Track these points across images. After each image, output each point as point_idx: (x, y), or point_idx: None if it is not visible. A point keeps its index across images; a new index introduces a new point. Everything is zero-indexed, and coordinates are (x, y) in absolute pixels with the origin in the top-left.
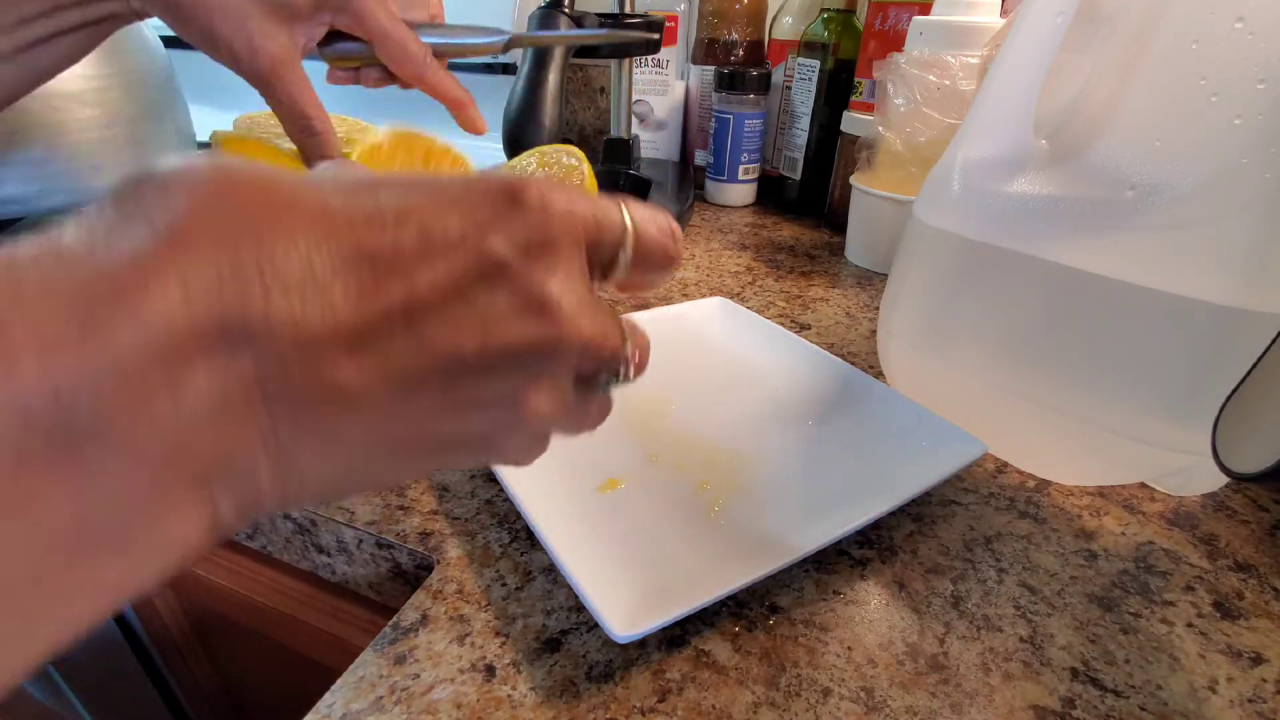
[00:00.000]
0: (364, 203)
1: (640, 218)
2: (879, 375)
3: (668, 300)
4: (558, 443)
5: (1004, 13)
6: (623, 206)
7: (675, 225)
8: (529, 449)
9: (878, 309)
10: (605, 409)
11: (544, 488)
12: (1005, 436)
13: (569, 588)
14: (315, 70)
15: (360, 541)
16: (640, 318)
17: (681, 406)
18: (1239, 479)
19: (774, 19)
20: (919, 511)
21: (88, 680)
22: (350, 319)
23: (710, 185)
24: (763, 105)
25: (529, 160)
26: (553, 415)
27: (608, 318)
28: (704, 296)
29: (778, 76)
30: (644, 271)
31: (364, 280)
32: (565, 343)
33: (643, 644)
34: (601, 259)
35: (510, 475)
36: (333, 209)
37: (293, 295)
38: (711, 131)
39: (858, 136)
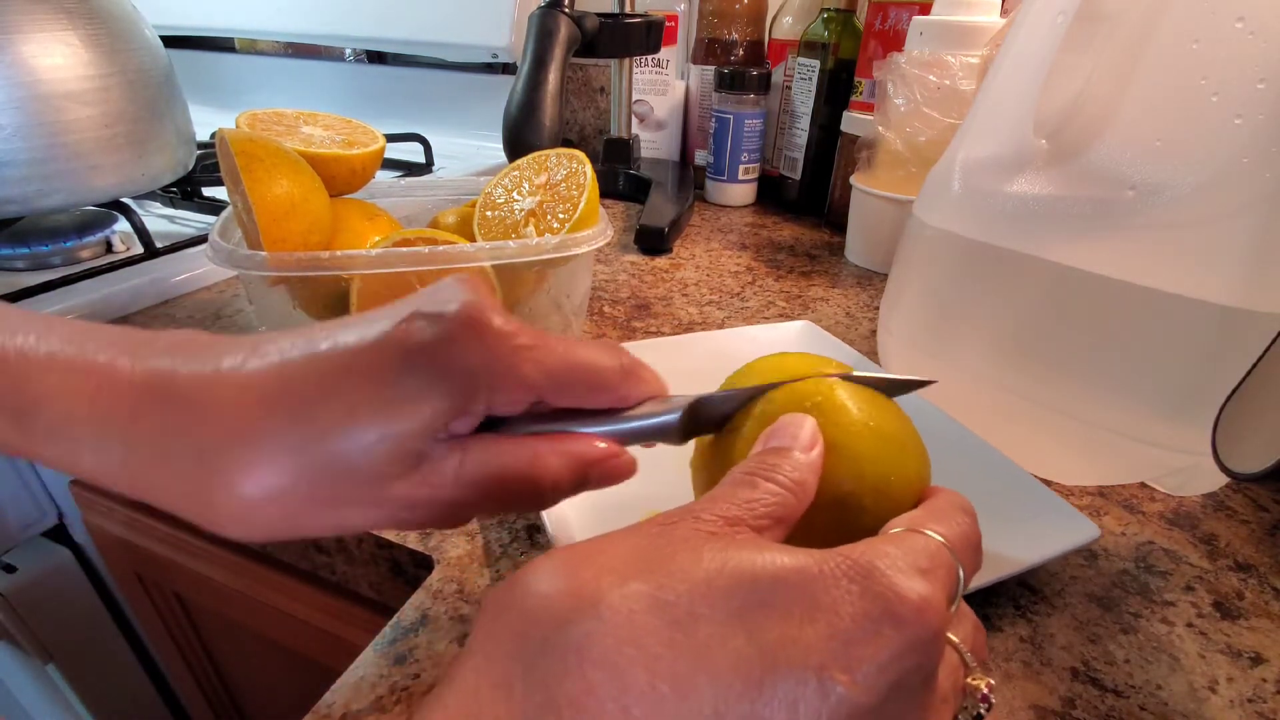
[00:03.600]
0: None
1: (962, 543)
2: None
3: (668, 302)
4: None
5: (1004, 13)
6: (939, 539)
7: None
8: None
9: (878, 309)
10: None
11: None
12: (1005, 436)
13: None
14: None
15: (360, 541)
16: (714, 337)
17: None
18: (1239, 479)
19: (774, 19)
20: None
21: (88, 679)
22: None
23: (710, 185)
24: (763, 105)
25: (529, 164)
26: None
27: (957, 679)
28: (704, 297)
29: (778, 76)
30: None
31: None
32: None
33: None
34: None
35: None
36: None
37: None
38: (711, 131)
39: (858, 136)
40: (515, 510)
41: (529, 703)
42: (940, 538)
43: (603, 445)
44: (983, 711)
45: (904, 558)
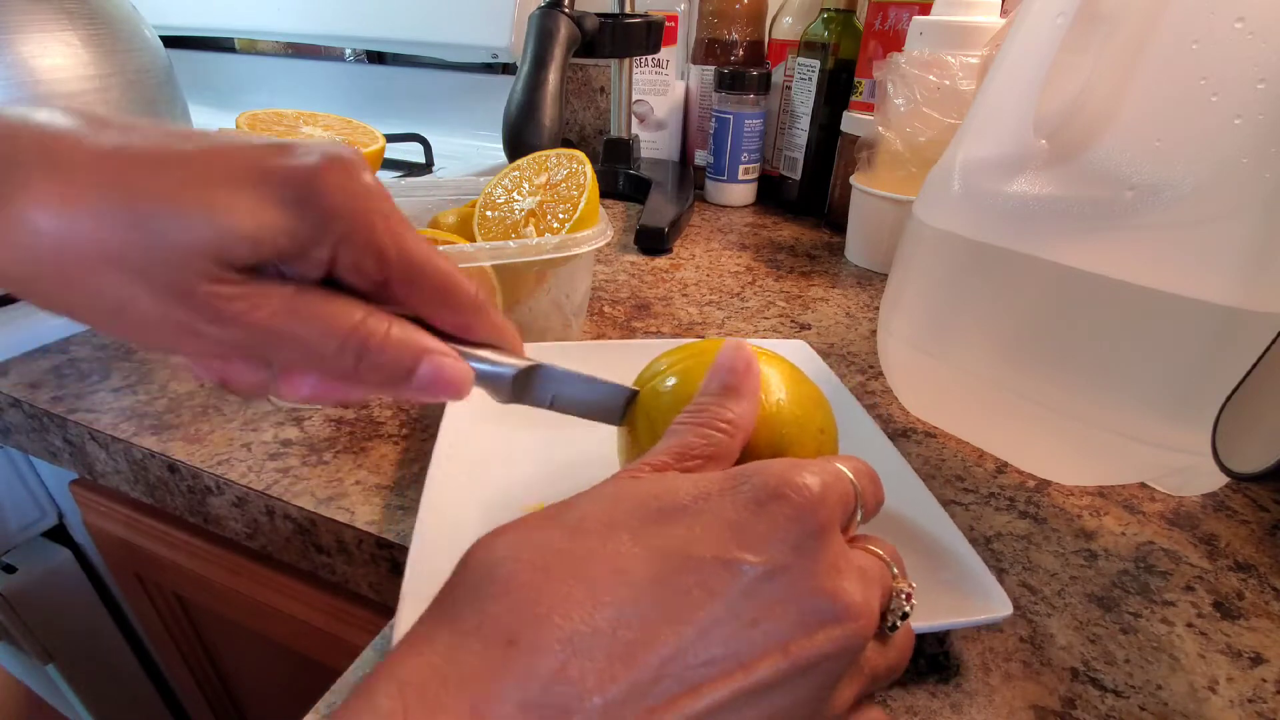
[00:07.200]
0: (629, 561)
1: (857, 472)
2: (878, 375)
3: (668, 302)
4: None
5: (1004, 13)
6: (842, 468)
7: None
8: None
9: (878, 309)
10: (907, 643)
11: (461, 489)
12: (1005, 436)
13: None
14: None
15: (360, 541)
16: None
17: None
18: (1239, 479)
19: (774, 19)
20: None
21: (88, 679)
22: (634, 676)
23: (710, 185)
24: (763, 105)
25: (529, 164)
26: (858, 694)
27: (878, 571)
28: (704, 297)
29: (778, 76)
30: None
31: (649, 632)
32: (867, 632)
33: None
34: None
35: (437, 468)
36: (596, 580)
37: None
38: (711, 131)
39: (858, 136)
40: (332, 372)
41: (469, 624)
42: (836, 464)
43: (440, 343)
44: (908, 610)
45: (792, 464)
